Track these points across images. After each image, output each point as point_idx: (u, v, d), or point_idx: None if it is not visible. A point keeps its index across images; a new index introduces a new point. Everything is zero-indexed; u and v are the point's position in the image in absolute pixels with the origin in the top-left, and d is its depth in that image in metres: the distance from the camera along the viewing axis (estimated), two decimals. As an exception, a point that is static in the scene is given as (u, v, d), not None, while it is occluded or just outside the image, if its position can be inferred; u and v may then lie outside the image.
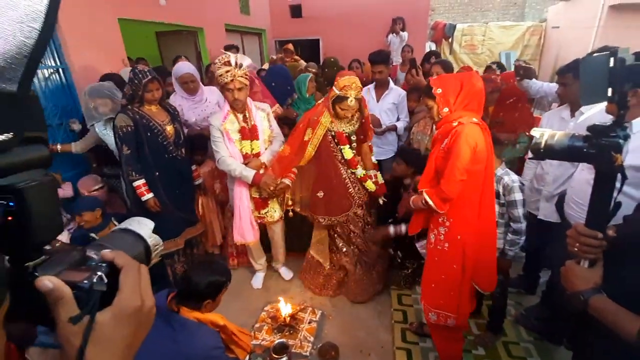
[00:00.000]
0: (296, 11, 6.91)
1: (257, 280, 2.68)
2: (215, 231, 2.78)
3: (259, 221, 2.39)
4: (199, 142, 2.54)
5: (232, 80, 1.97)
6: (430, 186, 1.65)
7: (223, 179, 2.63)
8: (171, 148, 2.23)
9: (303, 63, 4.36)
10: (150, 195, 2.17)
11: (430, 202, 1.60)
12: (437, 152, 1.62)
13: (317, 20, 6.85)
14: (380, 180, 2.42)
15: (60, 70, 2.74)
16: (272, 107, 2.57)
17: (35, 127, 0.40)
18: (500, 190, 1.79)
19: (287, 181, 2.20)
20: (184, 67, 2.65)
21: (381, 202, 2.44)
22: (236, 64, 1.95)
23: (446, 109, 1.57)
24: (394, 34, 6.31)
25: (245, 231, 2.31)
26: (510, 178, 1.79)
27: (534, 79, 2.67)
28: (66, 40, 2.69)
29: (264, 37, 6.86)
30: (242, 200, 2.26)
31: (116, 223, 2.32)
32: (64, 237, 2.22)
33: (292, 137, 2.23)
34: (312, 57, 6.19)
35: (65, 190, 2.53)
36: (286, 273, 2.78)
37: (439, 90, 1.57)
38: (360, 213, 2.37)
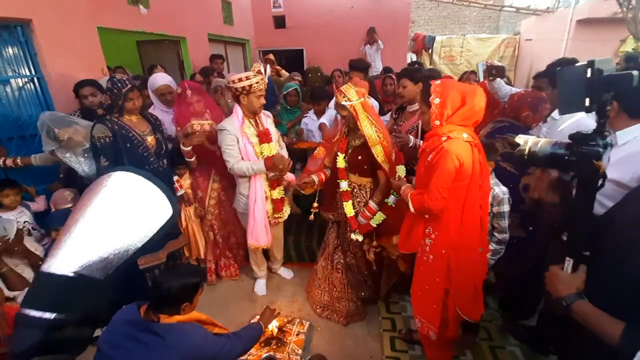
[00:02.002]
0: (280, 22, 6.97)
1: (260, 287, 2.67)
2: (199, 243, 2.71)
3: (273, 221, 2.43)
4: (181, 157, 2.48)
5: (263, 88, 2.10)
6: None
7: (205, 192, 2.58)
8: (152, 159, 2.16)
9: (285, 74, 4.39)
10: (130, 208, 2.09)
11: (411, 206, 1.59)
12: (423, 164, 1.58)
13: (300, 30, 6.92)
14: (375, 223, 2.04)
15: (36, 79, 2.65)
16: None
17: (95, 308, 0.50)
18: (490, 200, 1.77)
19: (314, 177, 2.21)
20: (160, 78, 2.56)
21: (353, 237, 2.11)
22: (265, 72, 2.12)
23: (437, 122, 1.49)
24: (369, 45, 6.47)
25: (260, 235, 2.31)
26: (501, 189, 1.80)
27: (503, 82, 2.73)
28: (42, 49, 2.60)
29: (247, 47, 6.88)
30: (257, 203, 2.26)
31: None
32: (39, 252, 2.11)
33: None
34: (296, 67, 6.24)
35: (39, 204, 2.42)
36: (286, 272, 2.81)
37: (437, 101, 1.47)
38: (335, 226, 2.29)
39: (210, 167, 2.54)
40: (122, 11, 3.49)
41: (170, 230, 2.41)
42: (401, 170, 1.95)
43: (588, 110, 0.72)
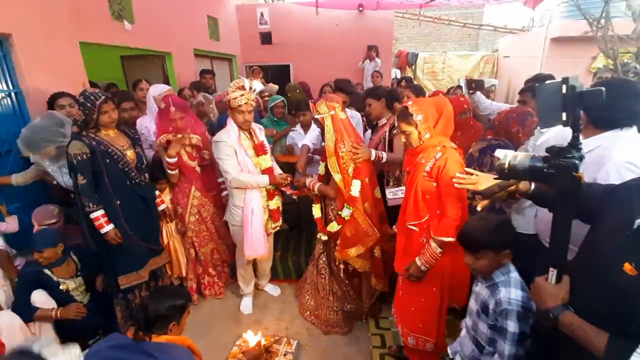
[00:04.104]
0: (266, 38, 7.06)
1: (247, 305, 2.60)
2: (181, 261, 2.62)
3: (271, 231, 2.45)
4: (162, 172, 2.43)
5: (245, 103, 2.09)
6: (419, 214, 1.59)
7: (185, 208, 2.51)
8: (133, 174, 2.10)
9: (273, 87, 4.43)
10: (111, 226, 2.01)
11: (447, 239, 1.49)
12: (420, 177, 1.59)
13: (287, 46, 7.02)
14: (331, 229, 2.15)
15: (13, 94, 2.57)
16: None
17: None
18: (492, 306, 1.20)
19: (308, 179, 2.28)
20: (164, 86, 2.75)
21: (319, 236, 2.32)
22: (250, 88, 2.10)
23: (428, 135, 1.57)
24: (369, 60, 6.66)
25: (258, 245, 2.28)
26: (508, 294, 1.16)
27: (483, 96, 2.85)
28: (21, 64, 2.53)
29: (234, 62, 6.91)
30: (255, 214, 2.24)
31: (74, 258, 2.14)
32: (10, 274, 1.99)
33: None
34: (283, 82, 6.29)
35: (10, 224, 2.29)
36: (272, 289, 2.77)
37: (420, 117, 1.55)
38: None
39: (189, 184, 2.49)
40: (106, 26, 3.46)
41: (152, 247, 2.33)
42: (355, 185, 2.02)
43: (565, 124, 0.74)
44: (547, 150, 0.78)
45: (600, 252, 0.92)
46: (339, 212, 2.09)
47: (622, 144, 1.28)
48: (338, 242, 2.17)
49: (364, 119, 3.03)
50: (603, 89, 0.71)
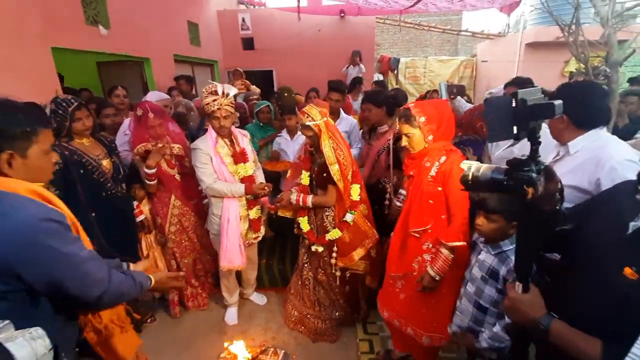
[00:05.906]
0: (248, 43, 7.02)
1: (232, 316, 2.54)
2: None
3: (247, 242, 2.35)
4: (136, 176, 2.34)
5: (218, 109, 2.02)
6: (423, 221, 1.58)
7: (165, 218, 2.44)
8: (109, 185, 2.04)
9: (255, 89, 4.39)
10: (84, 240, 1.93)
11: (459, 244, 1.49)
12: (425, 182, 1.57)
13: (269, 52, 7.01)
14: (330, 237, 2.10)
15: (-21, 103, 2.45)
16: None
17: None
18: (503, 273, 1.33)
19: (293, 195, 2.16)
20: (162, 94, 2.87)
21: (313, 248, 2.18)
22: (223, 93, 2.02)
23: (431, 137, 1.56)
24: (353, 66, 6.70)
25: (233, 256, 2.22)
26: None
27: (464, 100, 2.94)
28: (-13, 71, 2.43)
29: (216, 67, 6.84)
30: (231, 223, 2.19)
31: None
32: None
33: None
34: (266, 87, 6.26)
35: None
36: (258, 298, 2.72)
37: (423, 119, 1.54)
38: (306, 242, 2.30)
39: (169, 193, 2.42)
40: (80, 31, 3.37)
41: (131, 260, 2.24)
42: (356, 190, 2.01)
43: (516, 137, 0.75)
44: (508, 162, 0.78)
45: (593, 258, 0.90)
46: (343, 219, 2.06)
47: (612, 143, 1.34)
48: (335, 249, 2.13)
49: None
50: (557, 102, 0.72)
